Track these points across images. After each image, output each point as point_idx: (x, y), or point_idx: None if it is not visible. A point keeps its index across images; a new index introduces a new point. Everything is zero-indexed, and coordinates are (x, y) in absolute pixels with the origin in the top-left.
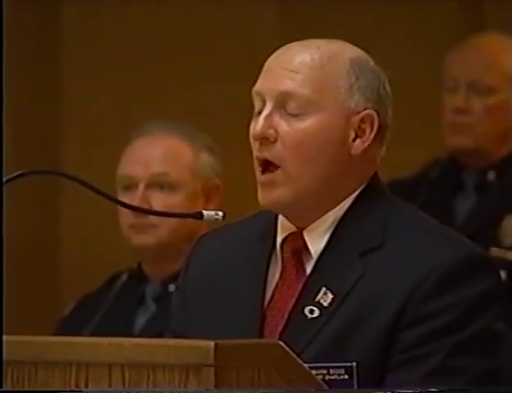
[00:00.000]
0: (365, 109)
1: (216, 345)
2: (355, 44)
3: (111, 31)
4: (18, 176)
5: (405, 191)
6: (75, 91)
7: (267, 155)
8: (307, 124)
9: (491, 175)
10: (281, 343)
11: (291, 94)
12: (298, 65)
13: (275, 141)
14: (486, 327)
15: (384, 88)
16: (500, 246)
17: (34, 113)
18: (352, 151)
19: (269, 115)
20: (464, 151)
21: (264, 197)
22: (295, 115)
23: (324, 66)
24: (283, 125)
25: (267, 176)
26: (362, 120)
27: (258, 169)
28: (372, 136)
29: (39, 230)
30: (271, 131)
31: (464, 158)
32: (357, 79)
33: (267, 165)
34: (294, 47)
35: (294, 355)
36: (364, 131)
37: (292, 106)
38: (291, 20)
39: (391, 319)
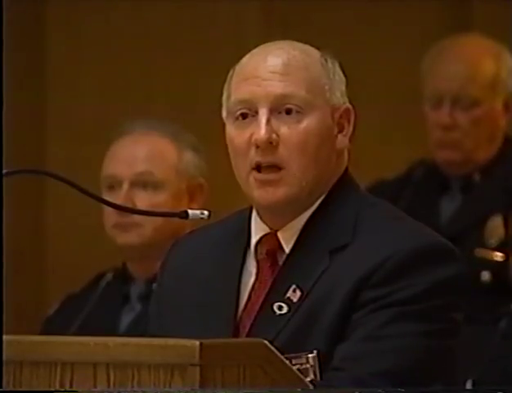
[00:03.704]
0: (343, 103)
1: (201, 344)
2: (339, 44)
3: (96, 30)
4: (3, 175)
5: (390, 191)
6: (60, 90)
7: (271, 159)
8: (305, 124)
9: (477, 176)
10: (266, 342)
11: (289, 96)
12: (286, 68)
13: (277, 145)
14: (432, 308)
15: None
16: (485, 247)
17: (19, 112)
18: (337, 146)
19: (268, 120)
20: (453, 165)
21: (266, 195)
22: (293, 117)
23: (308, 66)
24: (283, 128)
25: (272, 175)
26: (341, 116)
27: (251, 171)
28: (350, 129)
29: (24, 230)
30: (274, 135)
31: (452, 167)
32: (333, 75)
33: (271, 168)
34: (271, 51)
35: (279, 354)
36: (343, 126)
37: (289, 108)
38: (275, 19)
39: (345, 304)
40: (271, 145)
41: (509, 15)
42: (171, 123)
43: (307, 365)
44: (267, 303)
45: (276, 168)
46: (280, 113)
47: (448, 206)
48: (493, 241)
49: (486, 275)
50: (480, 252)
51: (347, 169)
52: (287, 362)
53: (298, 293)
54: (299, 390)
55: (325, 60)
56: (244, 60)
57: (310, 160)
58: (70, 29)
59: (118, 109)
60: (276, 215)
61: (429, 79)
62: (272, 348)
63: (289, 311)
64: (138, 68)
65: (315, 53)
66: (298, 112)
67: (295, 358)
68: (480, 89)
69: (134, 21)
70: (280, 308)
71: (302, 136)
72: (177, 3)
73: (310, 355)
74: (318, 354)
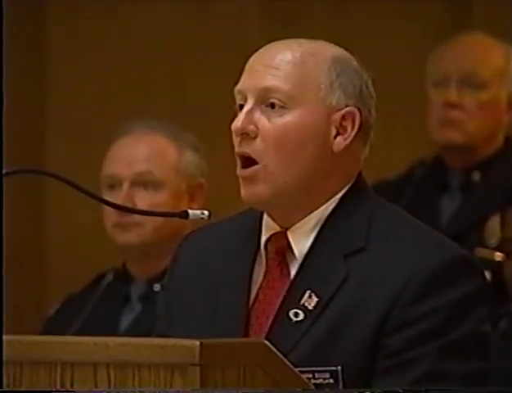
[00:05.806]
0: (346, 106)
1: (201, 344)
2: (340, 42)
3: (97, 30)
4: (3, 175)
5: (390, 191)
6: (61, 89)
7: (247, 150)
8: (287, 119)
9: (476, 175)
10: (267, 342)
11: (272, 90)
12: (278, 62)
13: (255, 137)
14: (472, 330)
15: (367, 87)
16: (485, 247)
17: (19, 112)
18: (334, 149)
19: (250, 111)
20: (453, 147)
21: (246, 193)
22: (276, 111)
23: (305, 63)
24: (263, 121)
25: (248, 170)
26: (343, 117)
27: (238, 165)
28: (353, 133)
29: (24, 230)
30: (252, 127)
31: (451, 154)
32: (337, 75)
33: (248, 161)
34: (276, 45)
35: (280, 355)
36: (345, 128)
37: (273, 102)
38: (276, 18)
39: (376, 323)
40: (248, 136)
41: (509, 14)
42: (171, 123)
43: (331, 380)
44: (283, 309)
45: (252, 162)
46: (266, 106)
47: (448, 206)
48: (493, 240)
49: (486, 275)
50: (480, 252)
51: (360, 173)
52: (286, 361)
53: (315, 299)
54: (299, 390)
55: (335, 61)
56: (254, 54)
57: (288, 157)
58: (70, 30)
59: (118, 109)
60: (273, 214)
61: (436, 64)
62: (273, 348)
63: (305, 318)
64: (138, 68)
65: (325, 53)
66: (282, 107)
67: (319, 372)
68: (489, 73)
69: (134, 21)
70: (296, 315)
71: (279, 130)
72: (177, 3)
73: (334, 370)
74: (342, 369)
